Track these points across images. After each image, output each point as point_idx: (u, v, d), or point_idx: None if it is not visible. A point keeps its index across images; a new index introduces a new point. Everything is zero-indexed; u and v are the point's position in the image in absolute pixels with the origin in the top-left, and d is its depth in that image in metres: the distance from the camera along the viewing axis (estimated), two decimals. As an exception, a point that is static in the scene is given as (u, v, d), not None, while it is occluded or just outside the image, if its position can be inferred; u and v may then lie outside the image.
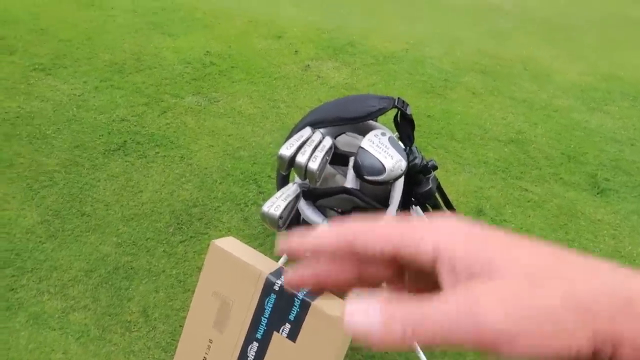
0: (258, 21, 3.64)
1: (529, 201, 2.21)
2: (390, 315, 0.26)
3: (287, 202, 1.02)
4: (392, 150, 1.04)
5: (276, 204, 1.01)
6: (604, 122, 2.79)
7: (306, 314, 1.13)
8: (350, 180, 1.14)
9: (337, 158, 1.12)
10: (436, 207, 1.54)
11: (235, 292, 1.21)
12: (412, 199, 1.42)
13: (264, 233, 2.00)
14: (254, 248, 1.94)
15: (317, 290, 0.34)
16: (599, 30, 4.00)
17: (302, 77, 3.02)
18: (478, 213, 2.12)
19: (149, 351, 1.60)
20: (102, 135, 2.44)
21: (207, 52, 3.20)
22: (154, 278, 1.81)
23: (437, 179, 1.44)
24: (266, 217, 1.01)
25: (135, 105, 2.67)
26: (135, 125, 2.52)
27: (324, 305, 1.12)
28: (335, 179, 1.52)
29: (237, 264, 1.20)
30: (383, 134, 1.07)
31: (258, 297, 1.18)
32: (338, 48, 3.37)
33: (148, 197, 2.12)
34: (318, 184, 1.05)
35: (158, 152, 2.36)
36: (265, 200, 2.16)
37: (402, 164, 1.05)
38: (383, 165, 1.02)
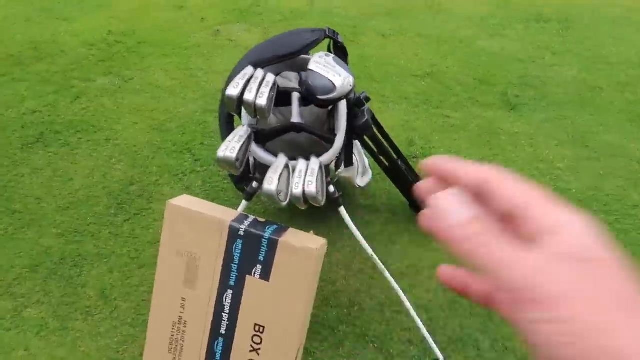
0: (156, -7, 3.50)
1: (452, 126, 2.33)
2: (474, 223, 0.30)
3: (240, 143, 1.02)
4: (338, 69, 1.06)
5: (230, 147, 1.01)
6: (505, 45, 2.97)
7: (275, 252, 1.15)
8: (295, 116, 1.16)
9: (279, 97, 1.13)
10: (374, 138, 1.60)
11: (200, 246, 1.21)
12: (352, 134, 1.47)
13: (208, 198, 1.98)
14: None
15: None
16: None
17: (214, 43, 2.95)
18: (409, 144, 2.21)
19: (116, 330, 1.57)
20: (15, 131, 2.28)
21: (110, 31, 3.05)
22: (105, 260, 1.76)
23: (371, 111, 1.49)
24: (223, 161, 1.01)
25: (44, 95, 2.51)
26: (49, 115, 2.38)
27: (291, 239, 1.15)
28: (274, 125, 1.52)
29: (197, 218, 1.20)
30: (327, 55, 1.09)
31: (225, 246, 1.19)
32: (244, 10, 3.31)
33: (80, 184, 2.03)
34: (269, 119, 1.06)
35: (81, 138, 2.25)
36: (202, 167, 2.14)
37: (351, 80, 1.08)
38: (333, 84, 1.04)
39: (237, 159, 1.01)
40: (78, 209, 1.92)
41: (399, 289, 1.38)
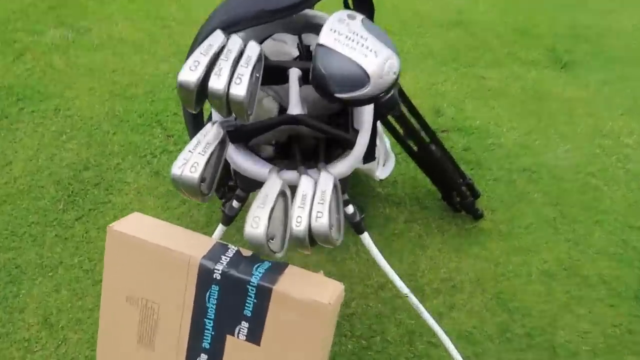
0: None
1: (489, 90, 2.00)
2: None
3: (207, 155, 0.66)
4: (373, 41, 0.68)
5: (192, 161, 0.65)
6: (549, -14, 2.58)
7: (268, 304, 0.82)
8: (295, 105, 0.79)
9: (268, 74, 0.75)
10: (401, 118, 1.24)
11: (158, 292, 0.88)
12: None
13: (183, 187, 1.64)
14: (176, 211, 1.58)
15: None
16: None
17: (193, -16, 2.55)
18: (436, 114, 1.87)
19: (63, 373, 1.26)
20: (-62, 98, 1.92)
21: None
22: (50, 274, 1.43)
23: (398, 83, 1.12)
24: (180, 183, 0.65)
25: (-23, 52, 2.14)
26: (-17, 79, 2.02)
27: (290, 286, 0.81)
28: (263, 105, 1.17)
29: (152, 252, 0.85)
30: (351, 16, 0.70)
31: (194, 293, 0.85)
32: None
33: (21, 169, 1.69)
34: (251, 117, 0.68)
35: (23, 108, 1.90)
36: (176, 144, 1.79)
37: (395, 62, 0.71)
38: (364, 70, 0.67)
39: (202, 180, 0.65)
40: (16, 204, 1.59)
41: (436, 325, 1.05)
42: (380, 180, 1.42)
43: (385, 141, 1.44)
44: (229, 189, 0.99)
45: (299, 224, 0.66)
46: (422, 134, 1.33)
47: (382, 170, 1.35)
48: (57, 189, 1.64)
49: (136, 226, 0.89)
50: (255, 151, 0.93)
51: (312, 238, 0.68)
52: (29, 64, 2.08)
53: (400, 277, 1.41)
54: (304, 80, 0.84)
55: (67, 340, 1.31)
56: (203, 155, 0.65)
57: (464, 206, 1.50)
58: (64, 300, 1.38)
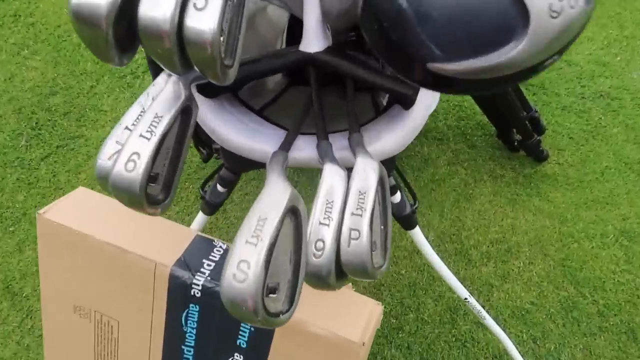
0: None
1: None
2: None
3: (157, 137, 0.37)
4: None
5: (129, 150, 0.37)
6: None
7: (271, 338, 0.58)
8: (312, 34, 0.50)
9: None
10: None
11: (114, 306, 0.65)
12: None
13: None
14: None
15: None
16: None
17: None
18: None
19: (29, 352, 1.08)
20: None
21: None
22: (11, 229, 1.24)
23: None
24: (110, 185, 0.38)
25: None
26: None
27: (303, 313, 0.56)
28: (267, 14, 0.89)
29: (100, 254, 0.61)
30: None
31: (164, 313, 0.62)
32: None
33: (-27, 94, 1.44)
34: (232, 68, 0.38)
35: (-26, 15, 1.61)
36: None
37: None
38: None
39: (153, 178, 0.38)
40: (-32, 139, 1.36)
41: (508, 341, 0.83)
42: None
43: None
44: (215, 150, 0.73)
45: (319, 252, 0.40)
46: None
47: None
48: (19, 120, 1.40)
49: (78, 211, 0.64)
50: (248, 95, 0.65)
51: (340, 268, 0.42)
52: (-19, -44, 1.76)
53: (440, 237, 1.19)
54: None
55: (32, 312, 1.13)
56: (148, 139, 0.38)
57: (525, 147, 1.23)
58: (29, 262, 1.19)
